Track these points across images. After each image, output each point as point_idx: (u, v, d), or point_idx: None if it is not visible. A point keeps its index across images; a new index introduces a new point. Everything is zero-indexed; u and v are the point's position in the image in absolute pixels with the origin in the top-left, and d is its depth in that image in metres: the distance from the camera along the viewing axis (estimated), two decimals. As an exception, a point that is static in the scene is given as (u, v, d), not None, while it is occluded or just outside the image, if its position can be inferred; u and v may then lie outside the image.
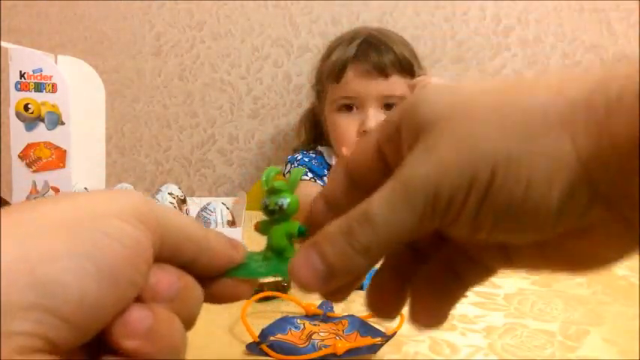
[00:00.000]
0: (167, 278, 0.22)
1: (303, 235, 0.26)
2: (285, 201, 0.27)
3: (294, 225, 0.27)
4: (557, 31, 1.20)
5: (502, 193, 0.21)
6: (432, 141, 0.22)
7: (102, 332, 0.20)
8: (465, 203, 0.21)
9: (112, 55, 1.30)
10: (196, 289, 0.24)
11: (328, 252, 0.23)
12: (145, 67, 1.30)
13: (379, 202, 0.22)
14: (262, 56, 1.27)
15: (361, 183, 0.26)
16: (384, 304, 0.27)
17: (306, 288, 0.24)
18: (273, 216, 0.27)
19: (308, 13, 1.24)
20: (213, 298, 0.26)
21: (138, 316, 0.20)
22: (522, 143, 0.20)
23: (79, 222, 0.20)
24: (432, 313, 0.25)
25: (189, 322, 0.23)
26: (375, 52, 0.97)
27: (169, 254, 0.23)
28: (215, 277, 0.25)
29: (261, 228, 0.28)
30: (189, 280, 0.24)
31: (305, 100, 1.25)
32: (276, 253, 0.27)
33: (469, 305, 0.61)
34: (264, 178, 0.27)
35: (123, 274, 0.20)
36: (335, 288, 0.25)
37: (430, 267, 0.26)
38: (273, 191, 0.27)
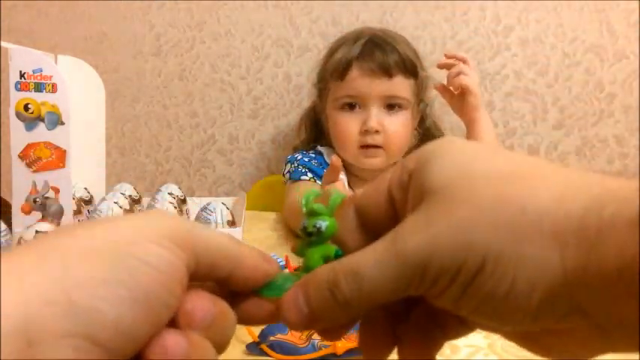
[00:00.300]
0: (203, 305, 0.23)
1: (339, 258, 0.26)
2: (324, 224, 0.27)
3: (331, 248, 0.27)
4: (557, 31, 1.20)
5: (487, 285, 0.21)
6: (432, 212, 0.23)
7: (138, 354, 0.21)
8: (451, 285, 0.22)
9: (112, 55, 1.30)
10: (230, 315, 0.25)
11: (313, 297, 0.24)
12: (145, 67, 1.30)
13: (370, 262, 0.23)
14: (262, 56, 1.27)
15: (369, 222, 0.26)
16: (374, 347, 0.27)
17: (291, 327, 0.25)
18: (311, 238, 0.27)
19: (308, 13, 1.24)
20: (244, 318, 0.26)
21: (174, 342, 0.21)
22: (514, 244, 0.21)
23: (115, 248, 0.21)
24: (417, 357, 0.26)
25: (221, 347, 0.24)
26: (380, 52, 0.97)
27: (205, 272, 0.24)
28: (247, 296, 0.26)
29: (299, 249, 0.29)
30: (224, 307, 0.24)
31: (305, 100, 1.25)
32: (310, 271, 0.26)
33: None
34: (303, 201, 0.28)
35: (157, 299, 0.21)
36: (323, 329, 0.26)
37: (416, 317, 0.27)
38: (312, 213, 0.28)
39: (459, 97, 0.98)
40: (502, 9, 1.20)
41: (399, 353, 0.26)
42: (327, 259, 0.27)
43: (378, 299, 0.23)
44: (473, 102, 0.95)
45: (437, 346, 0.27)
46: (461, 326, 0.26)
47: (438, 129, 1.13)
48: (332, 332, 0.27)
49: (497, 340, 0.52)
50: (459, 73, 0.95)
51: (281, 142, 1.29)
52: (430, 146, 0.25)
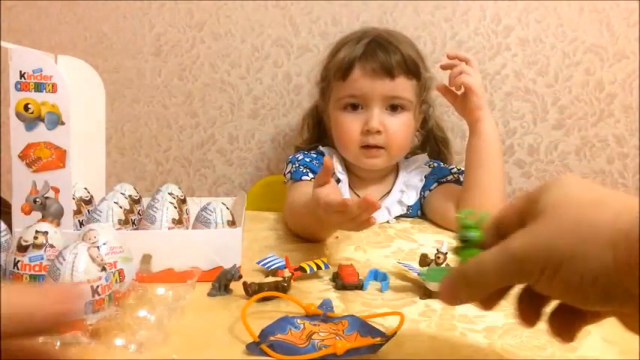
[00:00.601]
0: None
1: None
2: (473, 235, 0.41)
3: (477, 251, 0.39)
4: (557, 31, 1.20)
5: (565, 277, 0.32)
6: (536, 225, 0.35)
7: None
8: (540, 276, 0.33)
9: (112, 55, 1.30)
10: None
11: (455, 279, 0.38)
12: (145, 67, 1.30)
13: (488, 256, 0.36)
14: (262, 56, 1.27)
15: (504, 233, 0.37)
16: (525, 321, 0.40)
17: (445, 301, 0.40)
18: (464, 244, 0.41)
19: (308, 13, 1.24)
20: None
21: None
22: (582, 248, 0.32)
23: None
24: (562, 334, 0.38)
25: None
26: (383, 52, 0.96)
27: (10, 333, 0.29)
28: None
29: (456, 251, 0.42)
30: None
31: (305, 99, 1.25)
32: None
33: (469, 305, 0.61)
34: (462, 216, 0.42)
35: None
36: (475, 301, 0.40)
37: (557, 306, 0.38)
38: (465, 227, 0.41)
39: (462, 98, 0.96)
40: (502, 9, 1.20)
41: (549, 331, 0.38)
42: None
43: (492, 283, 0.36)
44: (476, 101, 0.94)
45: (577, 327, 0.38)
46: (590, 313, 0.37)
47: (440, 130, 1.13)
48: (486, 302, 0.41)
49: (497, 340, 0.52)
50: (460, 73, 0.95)
51: (281, 142, 1.29)
52: (550, 180, 0.37)
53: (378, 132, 0.96)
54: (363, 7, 1.23)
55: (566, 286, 0.33)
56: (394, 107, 0.98)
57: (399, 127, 0.99)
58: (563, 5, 1.19)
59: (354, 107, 0.98)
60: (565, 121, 1.22)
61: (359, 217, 0.65)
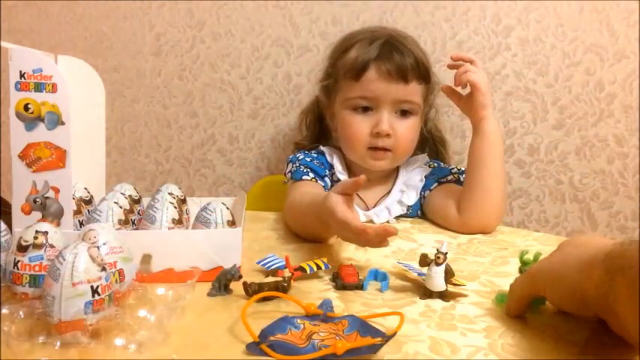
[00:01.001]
0: None
1: None
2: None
3: None
4: (557, 31, 1.20)
5: (558, 292, 0.51)
6: (546, 258, 0.56)
7: None
8: (545, 292, 0.53)
9: (112, 55, 1.30)
10: None
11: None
12: (145, 67, 1.30)
13: (519, 280, 0.57)
14: (262, 56, 1.27)
15: None
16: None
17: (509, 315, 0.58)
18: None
19: (308, 13, 1.24)
20: None
21: None
22: (566, 271, 0.50)
23: None
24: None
25: None
26: (399, 55, 0.96)
27: None
28: None
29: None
30: None
31: (305, 99, 1.25)
32: None
33: (469, 305, 0.61)
34: (522, 257, 0.65)
35: None
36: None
37: None
38: (525, 263, 0.64)
39: (467, 97, 0.97)
40: (502, 9, 1.20)
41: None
42: None
43: (523, 300, 0.56)
44: (481, 100, 0.94)
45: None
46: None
47: (438, 130, 1.13)
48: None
49: (497, 340, 0.52)
50: (466, 71, 0.95)
51: (281, 142, 1.29)
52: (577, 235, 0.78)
53: (388, 135, 0.97)
54: (363, 7, 1.23)
55: (560, 297, 0.51)
56: (404, 112, 0.98)
57: (407, 131, 0.99)
58: (563, 5, 1.19)
59: (365, 109, 0.98)
60: (565, 121, 1.22)
61: (373, 242, 0.66)
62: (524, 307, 0.56)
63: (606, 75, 1.19)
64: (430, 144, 1.11)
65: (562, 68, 1.20)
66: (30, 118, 0.64)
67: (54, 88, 0.64)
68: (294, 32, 1.25)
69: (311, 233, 0.84)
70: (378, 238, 0.66)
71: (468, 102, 0.96)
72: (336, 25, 1.23)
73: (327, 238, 0.84)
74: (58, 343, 0.47)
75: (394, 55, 0.96)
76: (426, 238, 0.88)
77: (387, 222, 0.98)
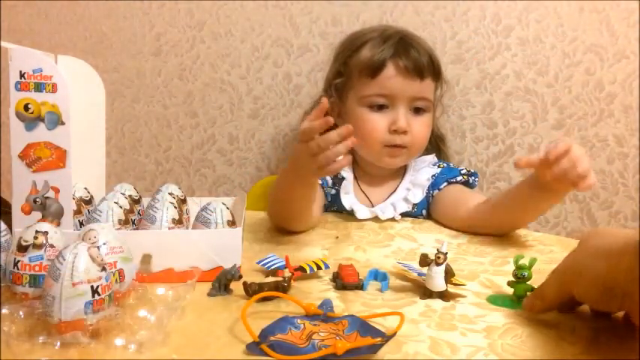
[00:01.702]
0: None
1: (532, 291, 0.59)
2: (525, 273, 0.61)
3: (529, 287, 0.61)
4: (557, 31, 1.20)
5: (583, 284, 0.51)
6: (570, 254, 0.56)
7: None
8: (572, 286, 0.53)
9: (112, 55, 1.30)
10: None
11: (531, 300, 0.58)
12: (145, 67, 1.30)
13: (547, 279, 0.56)
14: (262, 56, 1.27)
15: None
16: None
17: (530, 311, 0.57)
18: (519, 280, 0.61)
19: (308, 13, 1.24)
20: None
21: None
22: (588, 262, 0.51)
23: None
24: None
25: None
26: (415, 52, 0.98)
27: None
28: None
29: (512, 285, 0.62)
30: None
31: (305, 99, 1.25)
32: (517, 297, 0.61)
33: (469, 305, 0.61)
34: (515, 260, 0.62)
35: None
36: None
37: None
38: (520, 267, 0.61)
39: (560, 170, 0.79)
40: (502, 9, 1.20)
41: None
42: (527, 291, 0.60)
43: (553, 299, 0.55)
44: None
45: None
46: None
47: (437, 127, 1.13)
48: (560, 310, 0.58)
49: (497, 340, 0.52)
50: (574, 166, 0.79)
51: (281, 142, 1.29)
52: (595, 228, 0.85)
53: (405, 132, 0.97)
54: (363, 7, 1.23)
55: (585, 288, 0.51)
56: (418, 110, 1.00)
57: (422, 128, 1.01)
58: (563, 5, 1.19)
59: (381, 107, 0.99)
60: (565, 121, 1.22)
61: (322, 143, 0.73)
62: (555, 307, 0.56)
63: (606, 75, 1.19)
64: (431, 140, 1.12)
65: (562, 68, 1.20)
66: (30, 118, 0.65)
67: (54, 88, 0.64)
68: (294, 32, 1.25)
69: (289, 198, 0.84)
70: (319, 123, 0.73)
71: (560, 175, 0.79)
72: (336, 25, 1.23)
73: (304, 185, 0.83)
74: (58, 343, 0.47)
75: (411, 52, 0.98)
76: (426, 238, 0.88)
77: (393, 218, 0.98)
